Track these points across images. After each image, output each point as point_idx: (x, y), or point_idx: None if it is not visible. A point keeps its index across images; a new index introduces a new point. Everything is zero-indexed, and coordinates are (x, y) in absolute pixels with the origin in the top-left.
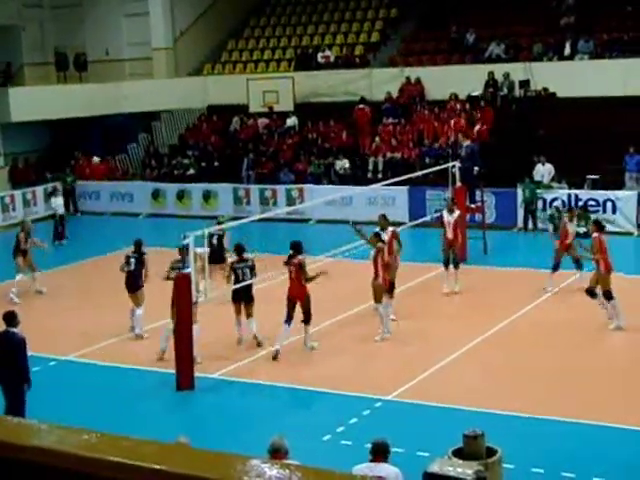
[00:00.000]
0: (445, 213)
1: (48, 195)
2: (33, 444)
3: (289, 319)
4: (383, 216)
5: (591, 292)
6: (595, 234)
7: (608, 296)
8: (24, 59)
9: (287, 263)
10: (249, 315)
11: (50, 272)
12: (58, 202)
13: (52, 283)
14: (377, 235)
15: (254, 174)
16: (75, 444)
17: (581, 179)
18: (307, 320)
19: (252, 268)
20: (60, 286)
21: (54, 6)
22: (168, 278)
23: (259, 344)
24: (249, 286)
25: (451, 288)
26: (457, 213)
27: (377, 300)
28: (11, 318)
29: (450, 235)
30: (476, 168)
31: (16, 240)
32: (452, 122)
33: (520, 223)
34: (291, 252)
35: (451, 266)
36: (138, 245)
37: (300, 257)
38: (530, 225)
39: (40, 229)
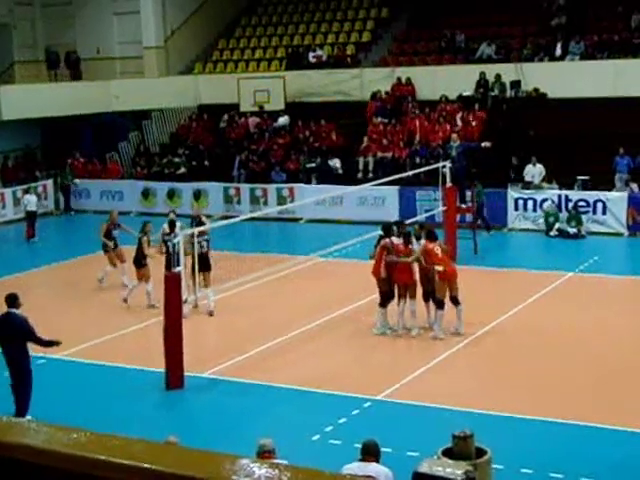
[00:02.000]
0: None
1: (25, 191)
2: (22, 442)
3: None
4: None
5: (440, 301)
6: (430, 245)
7: (440, 304)
8: (15, 57)
9: (376, 245)
10: (207, 285)
11: (38, 270)
12: (31, 199)
13: (40, 281)
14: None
15: (245, 173)
16: (64, 443)
17: (572, 180)
18: (381, 303)
19: (208, 241)
20: (49, 284)
21: (45, 4)
22: (162, 252)
23: (211, 313)
24: (207, 256)
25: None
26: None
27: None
28: (13, 299)
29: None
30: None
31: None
32: (443, 123)
33: (510, 224)
34: (381, 234)
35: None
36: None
37: (386, 240)
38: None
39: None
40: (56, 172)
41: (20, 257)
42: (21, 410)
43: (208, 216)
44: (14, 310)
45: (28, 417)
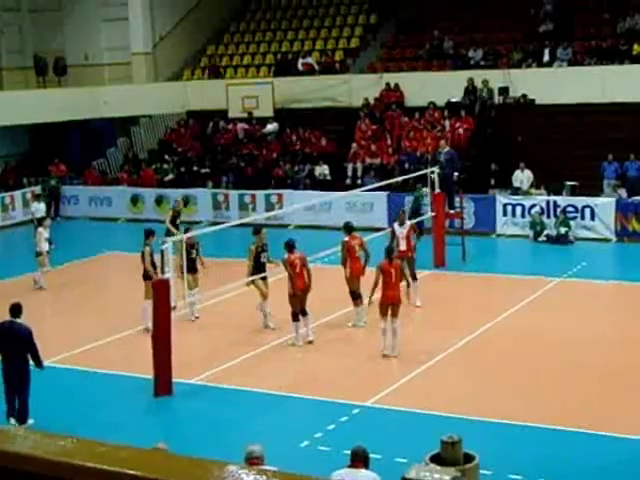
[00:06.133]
0: (396, 225)
1: (35, 197)
2: (8, 450)
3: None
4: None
5: (354, 293)
6: (346, 238)
7: (355, 296)
8: (3, 63)
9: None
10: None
11: (30, 277)
12: (39, 207)
13: (31, 288)
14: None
15: (233, 179)
16: (51, 450)
17: (560, 185)
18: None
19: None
20: (38, 291)
21: (33, 10)
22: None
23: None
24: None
25: (413, 303)
26: (408, 224)
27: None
28: (17, 310)
29: (403, 247)
30: (455, 174)
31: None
32: (429, 130)
33: (499, 229)
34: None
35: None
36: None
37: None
38: None
39: (19, 235)
40: (43, 179)
41: (8, 263)
42: (24, 415)
43: (192, 222)
44: (18, 320)
45: (30, 421)
